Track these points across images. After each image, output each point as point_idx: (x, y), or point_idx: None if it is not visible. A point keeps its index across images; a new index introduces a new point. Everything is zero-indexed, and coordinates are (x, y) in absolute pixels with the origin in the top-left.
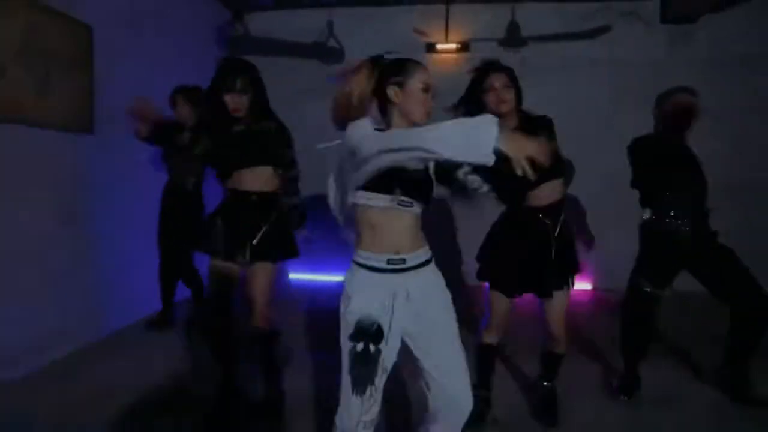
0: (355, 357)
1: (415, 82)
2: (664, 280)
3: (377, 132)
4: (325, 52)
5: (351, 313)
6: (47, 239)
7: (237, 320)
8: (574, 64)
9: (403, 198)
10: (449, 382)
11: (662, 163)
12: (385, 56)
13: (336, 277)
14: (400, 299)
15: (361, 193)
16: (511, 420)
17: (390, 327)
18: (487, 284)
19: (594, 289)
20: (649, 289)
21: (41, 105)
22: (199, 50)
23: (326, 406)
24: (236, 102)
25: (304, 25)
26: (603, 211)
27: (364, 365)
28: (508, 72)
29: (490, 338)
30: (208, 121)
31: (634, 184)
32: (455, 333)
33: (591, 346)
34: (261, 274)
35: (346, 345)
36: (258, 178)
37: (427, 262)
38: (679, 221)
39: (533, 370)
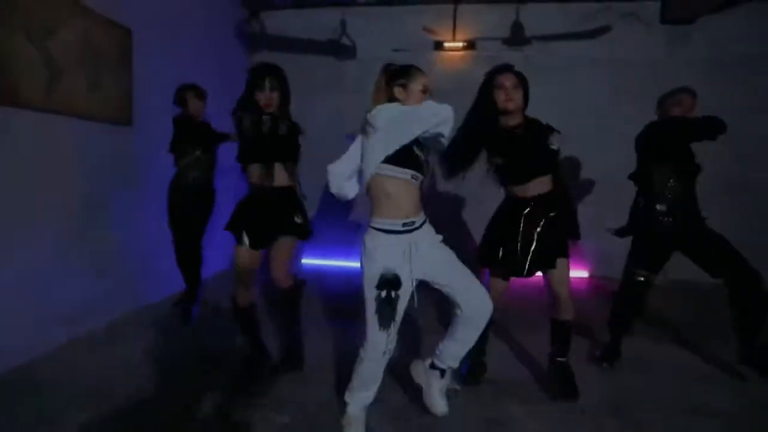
0: (381, 302)
1: (416, 85)
2: (656, 265)
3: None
4: (338, 49)
5: (375, 269)
6: (94, 217)
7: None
8: (575, 64)
9: (415, 173)
10: (469, 295)
11: (658, 151)
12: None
13: (342, 262)
14: (414, 251)
15: (387, 166)
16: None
17: (407, 275)
18: (486, 270)
19: (590, 276)
20: (642, 278)
21: (91, 101)
22: (221, 48)
23: (338, 363)
24: (267, 98)
25: (318, 23)
26: (600, 204)
27: (388, 307)
28: (519, 75)
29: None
30: (240, 119)
31: (635, 173)
32: (456, 260)
33: (583, 325)
34: (284, 245)
35: (371, 293)
36: (274, 172)
37: (424, 222)
38: (670, 206)
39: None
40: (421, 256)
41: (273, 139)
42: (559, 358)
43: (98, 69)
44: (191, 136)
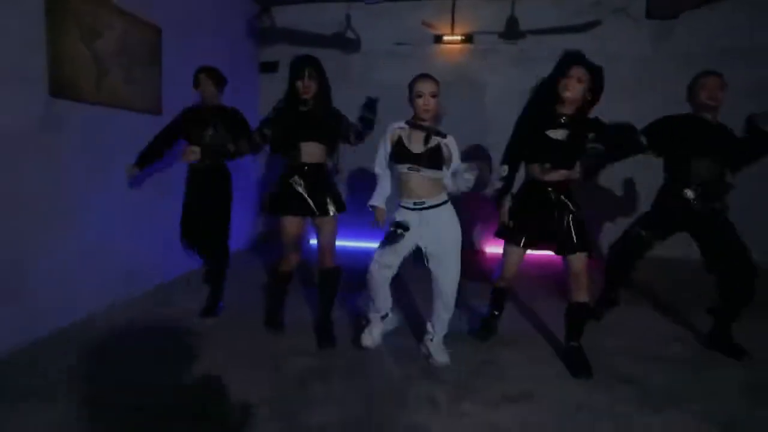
0: (390, 233)
1: (413, 91)
2: (660, 232)
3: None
4: (343, 42)
5: (396, 219)
6: (129, 198)
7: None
8: None
9: (410, 165)
10: (445, 272)
11: (681, 136)
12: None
13: (351, 243)
14: (422, 224)
15: (394, 164)
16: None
17: (413, 233)
18: (503, 241)
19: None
20: (643, 234)
21: (128, 93)
22: (234, 42)
23: (344, 326)
24: (306, 86)
25: (324, 17)
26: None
27: (394, 235)
28: (591, 72)
29: (501, 284)
30: (283, 105)
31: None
32: (457, 251)
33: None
34: (332, 224)
35: (388, 231)
36: (314, 152)
37: (442, 204)
38: (692, 188)
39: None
40: (428, 231)
41: (313, 120)
42: (572, 343)
43: (133, 65)
44: (201, 119)
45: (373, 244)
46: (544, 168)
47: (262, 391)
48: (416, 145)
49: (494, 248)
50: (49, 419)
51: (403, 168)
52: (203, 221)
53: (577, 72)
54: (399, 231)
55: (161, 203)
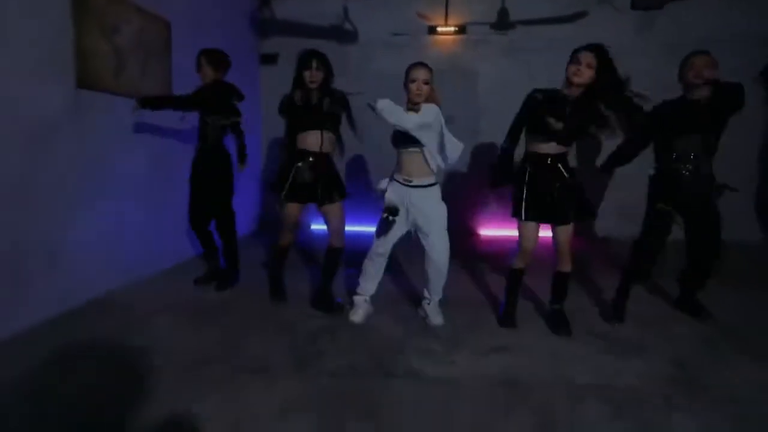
0: (382, 221)
1: (408, 77)
2: (671, 200)
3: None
4: (341, 34)
5: (386, 200)
6: (148, 181)
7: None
8: (555, 46)
9: (410, 145)
10: (435, 243)
11: (669, 117)
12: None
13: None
14: (408, 201)
15: (395, 146)
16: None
17: (402, 212)
18: (517, 220)
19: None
20: (662, 205)
21: (143, 84)
22: (236, 34)
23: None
24: (313, 75)
25: (322, 9)
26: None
27: (385, 224)
28: (599, 56)
29: (519, 264)
30: (292, 96)
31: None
32: (443, 226)
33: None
34: (337, 210)
35: (380, 220)
36: (320, 140)
37: (429, 185)
38: (681, 165)
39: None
40: (414, 207)
41: (320, 110)
42: (555, 305)
43: (148, 58)
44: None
45: (366, 228)
46: (555, 125)
47: (279, 346)
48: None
49: (489, 231)
50: (94, 376)
51: (403, 148)
52: (210, 198)
53: (587, 58)
54: (390, 218)
55: (178, 185)
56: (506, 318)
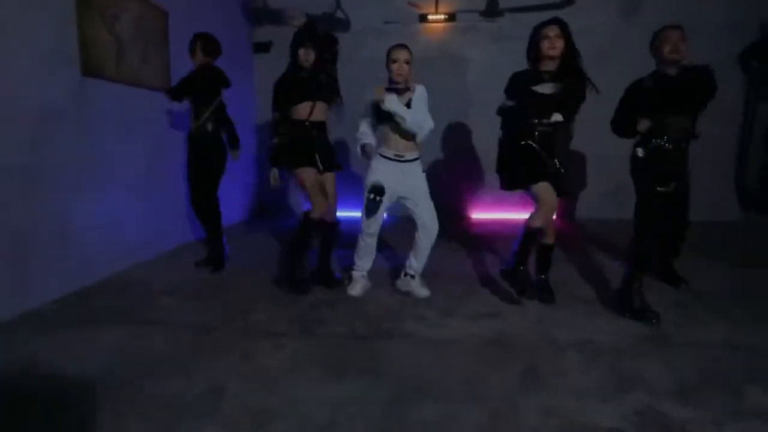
0: (369, 201)
1: (389, 58)
2: (664, 181)
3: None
4: (333, 22)
5: (371, 180)
6: (151, 165)
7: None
8: None
9: (391, 123)
10: (425, 213)
11: (655, 95)
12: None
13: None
14: (400, 175)
15: (379, 123)
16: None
17: (389, 189)
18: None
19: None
20: (663, 190)
21: (143, 72)
22: (230, 22)
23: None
24: (306, 54)
25: None
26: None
27: (372, 204)
28: (561, 26)
29: (537, 224)
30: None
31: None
32: (428, 194)
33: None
34: (333, 180)
35: (366, 197)
36: (317, 110)
37: (415, 159)
38: (675, 144)
39: None
40: (404, 180)
41: (316, 83)
42: (540, 275)
43: (147, 46)
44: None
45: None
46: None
47: (283, 316)
48: (385, 103)
49: (481, 215)
50: (113, 338)
51: (387, 125)
52: (201, 183)
53: (553, 30)
54: (378, 198)
55: (179, 170)
56: (527, 289)
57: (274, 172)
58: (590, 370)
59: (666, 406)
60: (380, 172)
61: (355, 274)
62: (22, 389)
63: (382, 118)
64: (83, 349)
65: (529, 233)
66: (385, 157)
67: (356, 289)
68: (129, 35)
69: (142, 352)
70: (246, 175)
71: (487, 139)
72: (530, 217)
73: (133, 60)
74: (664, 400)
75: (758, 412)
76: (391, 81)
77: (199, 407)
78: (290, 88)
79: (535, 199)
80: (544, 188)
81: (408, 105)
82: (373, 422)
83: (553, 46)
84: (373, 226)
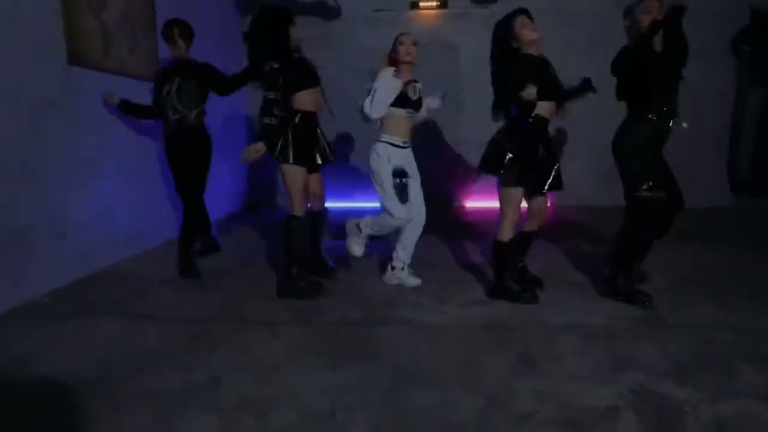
0: (398, 184)
1: (397, 41)
2: (660, 178)
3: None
4: (324, 10)
5: (392, 165)
6: (141, 157)
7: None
8: (535, 20)
9: (410, 110)
10: (419, 205)
11: (653, 66)
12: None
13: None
14: (405, 161)
15: (397, 108)
16: None
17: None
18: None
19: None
20: (648, 194)
21: (130, 61)
22: (218, 10)
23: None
24: (294, 33)
25: None
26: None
27: (400, 188)
28: (528, 15)
29: (505, 238)
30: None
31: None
32: (420, 184)
33: None
34: (318, 177)
35: (388, 182)
36: (312, 99)
37: (409, 146)
38: (654, 116)
39: None
40: (408, 165)
41: (312, 67)
42: (520, 264)
43: (134, 34)
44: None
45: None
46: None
47: (279, 305)
48: (412, 93)
49: (474, 203)
50: (109, 330)
51: (403, 112)
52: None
53: (523, 20)
54: (402, 180)
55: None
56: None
57: (261, 147)
58: (585, 354)
59: (661, 386)
60: (394, 157)
61: (401, 263)
62: (16, 384)
63: (404, 104)
64: (78, 342)
65: (500, 248)
66: (395, 144)
67: (413, 281)
68: (116, 23)
69: (137, 345)
70: (238, 166)
71: (479, 125)
72: (501, 231)
73: (121, 49)
74: (660, 380)
75: (752, 390)
76: (394, 63)
77: (196, 398)
78: (296, 72)
79: (530, 210)
80: (542, 201)
81: (420, 99)
82: (371, 410)
83: (534, 29)
84: (406, 210)
